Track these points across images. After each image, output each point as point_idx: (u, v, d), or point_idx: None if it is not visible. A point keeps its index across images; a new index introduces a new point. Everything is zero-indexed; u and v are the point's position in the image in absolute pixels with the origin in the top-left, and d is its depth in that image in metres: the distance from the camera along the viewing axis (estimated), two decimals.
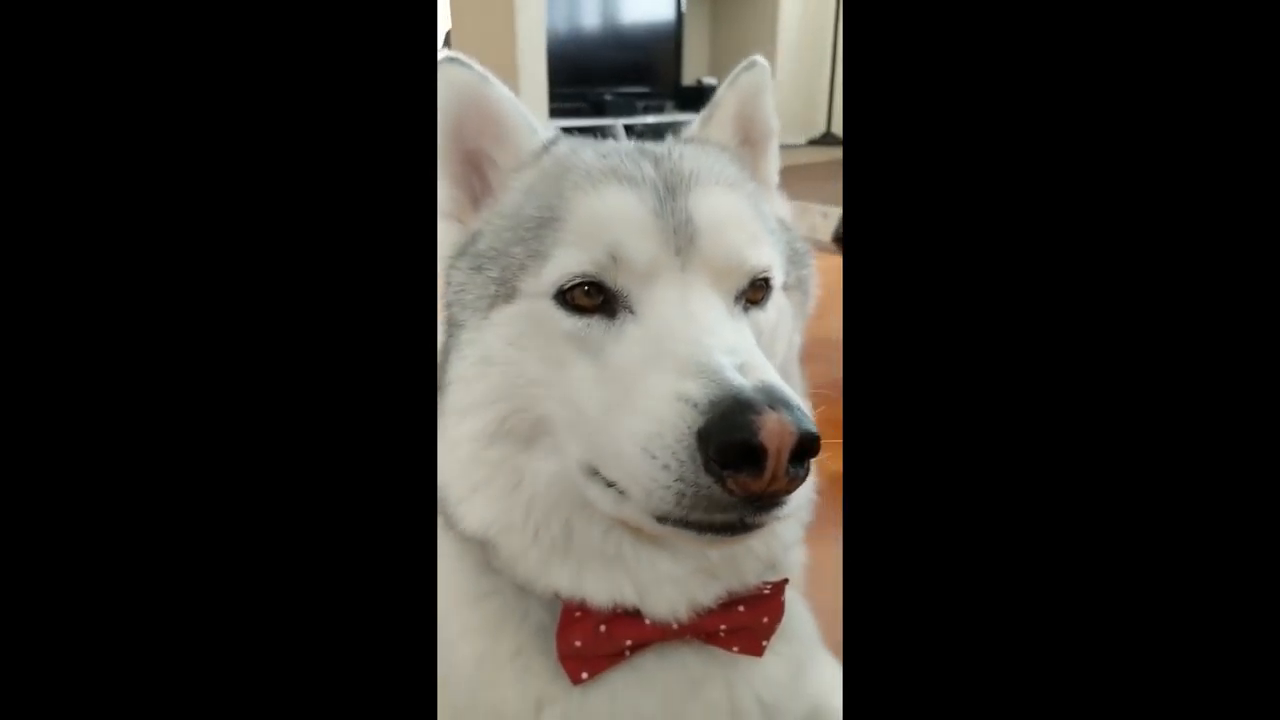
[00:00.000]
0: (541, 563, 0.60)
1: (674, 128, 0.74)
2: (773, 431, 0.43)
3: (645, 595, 0.59)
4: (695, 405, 0.46)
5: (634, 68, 6.03)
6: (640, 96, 6.07)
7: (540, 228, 0.59)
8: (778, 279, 0.62)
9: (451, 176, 0.67)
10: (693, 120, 0.75)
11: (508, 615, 0.64)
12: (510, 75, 5.41)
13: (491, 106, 0.66)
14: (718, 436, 0.44)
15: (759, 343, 0.57)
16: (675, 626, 0.60)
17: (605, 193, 0.58)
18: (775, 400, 0.45)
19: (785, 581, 0.65)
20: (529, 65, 5.43)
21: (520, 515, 0.60)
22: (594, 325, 0.56)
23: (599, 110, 5.86)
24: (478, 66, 0.65)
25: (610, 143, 0.66)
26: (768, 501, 0.46)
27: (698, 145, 0.68)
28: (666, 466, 0.47)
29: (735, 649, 0.62)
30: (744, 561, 0.62)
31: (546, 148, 0.66)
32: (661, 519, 0.49)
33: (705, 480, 0.46)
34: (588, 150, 0.64)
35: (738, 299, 0.59)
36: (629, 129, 6.61)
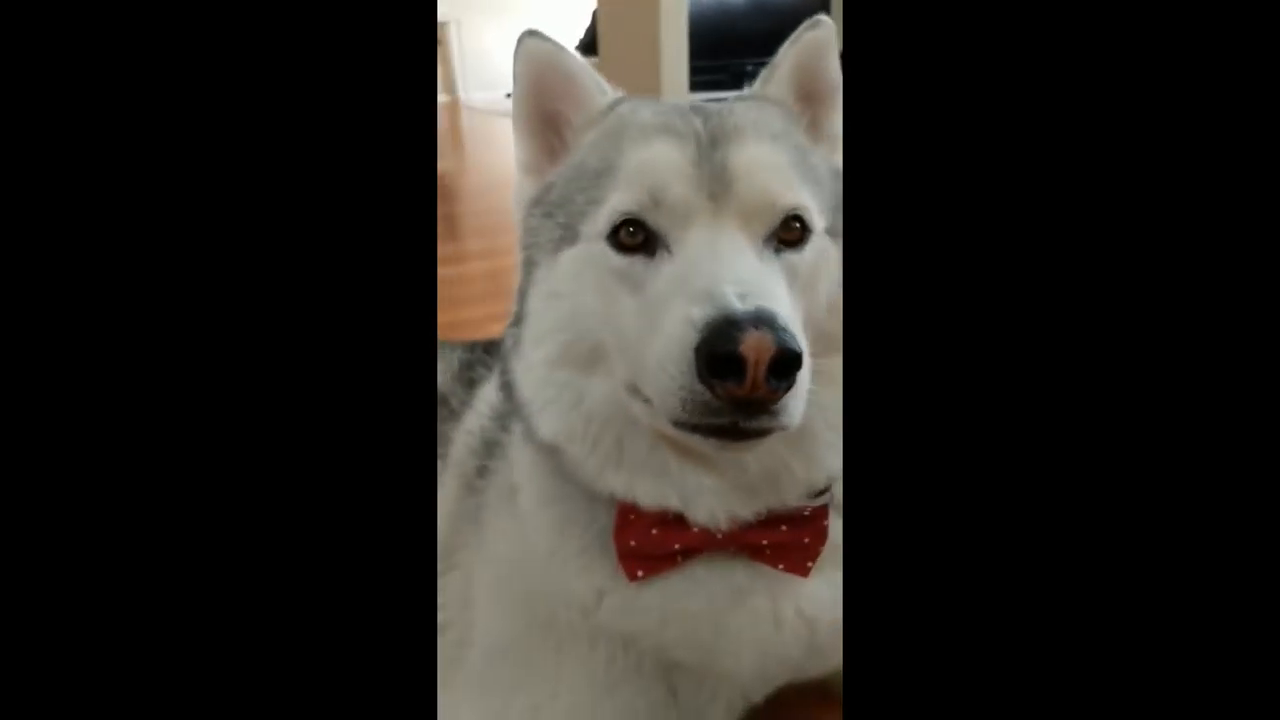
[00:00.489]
0: (599, 469, 0.67)
1: None
2: (751, 345, 0.50)
3: (688, 502, 0.66)
4: (694, 325, 0.53)
5: (777, 37, 5.82)
6: None
7: (599, 177, 0.66)
8: (817, 223, 0.66)
9: (530, 133, 0.76)
10: None
11: (576, 517, 0.72)
12: (652, 48, 5.37)
13: (566, 71, 0.74)
14: (706, 348, 0.51)
15: (794, 283, 0.63)
16: (719, 536, 0.66)
17: (653, 144, 0.65)
18: (761, 320, 0.51)
19: (826, 507, 0.70)
20: (670, 37, 5.36)
21: (581, 427, 0.67)
22: (636, 263, 0.63)
23: (739, 82, 5.70)
24: (552, 37, 0.73)
25: (671, 101, 0.73)
26: (755, 408, 0.53)
27: (753, 101, 0.74)
28: (673, 377, 0.54)
29: (781, 566, 0.68)
30: (783, 481, 0.66)
31: (612, 107, 0.73)
32: (676, 424, 0.56)
33: (699, 388, 0.53)
34: (647, 109, 0.71)
35: (769, 239, 0.63)
36: None
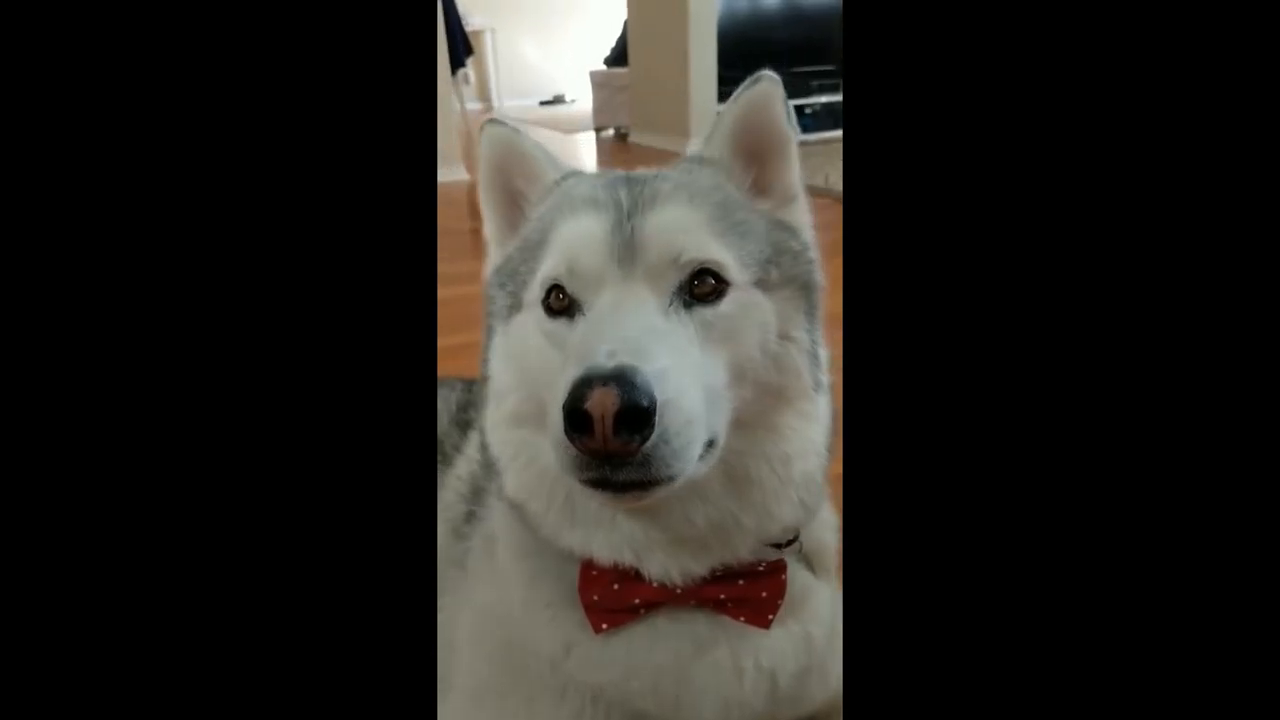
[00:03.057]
0: (556, 526, 0.71)
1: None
2: (596, 401, 0.53)
3: (641, 557, 0.68)
4: (567, 385, 0.56)
5: (811, 46, 5.78)
6: (815, 75, 5.80)
7: (537, 248, 0.72)
8: (737, 276, 0.67)
9: (494, 209, 0.82)
10: None
11: (546, 571, 0.75)
12: (681, 60, 5.37)
13: (522, 152, 0.80)
14: (566, 406, 0.54)
15: (710, 336, 0.64)
16: (678, 591, 0.69)
17: (579, 216, 0.69)
18: (612, 377, 0.54)
19: (781, 562, 0.72)
20: (699, 48, 5.35)
21: (536, 485, 0.71)
22: (561, 326, 0.68)
23: None
24: (511, 123, 0.81)
25: (610, 174, 0.75)
26: (616, 461, 0.55)
27: (686, 165, 0.77)
28: (554, 434, 0.57)
29: (741, 619, 0.71)
30: (733, 535, 0.68)
31: (558, 183, 0.78)
32: (568, 475, 0.59)
33: (565, 443, 0.55)
34: (584, 184, 0.75)
35: (678, 294, 0.65)
36: (800, 110, 6.37)
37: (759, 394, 0.67)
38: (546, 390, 0.65)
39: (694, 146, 5.85)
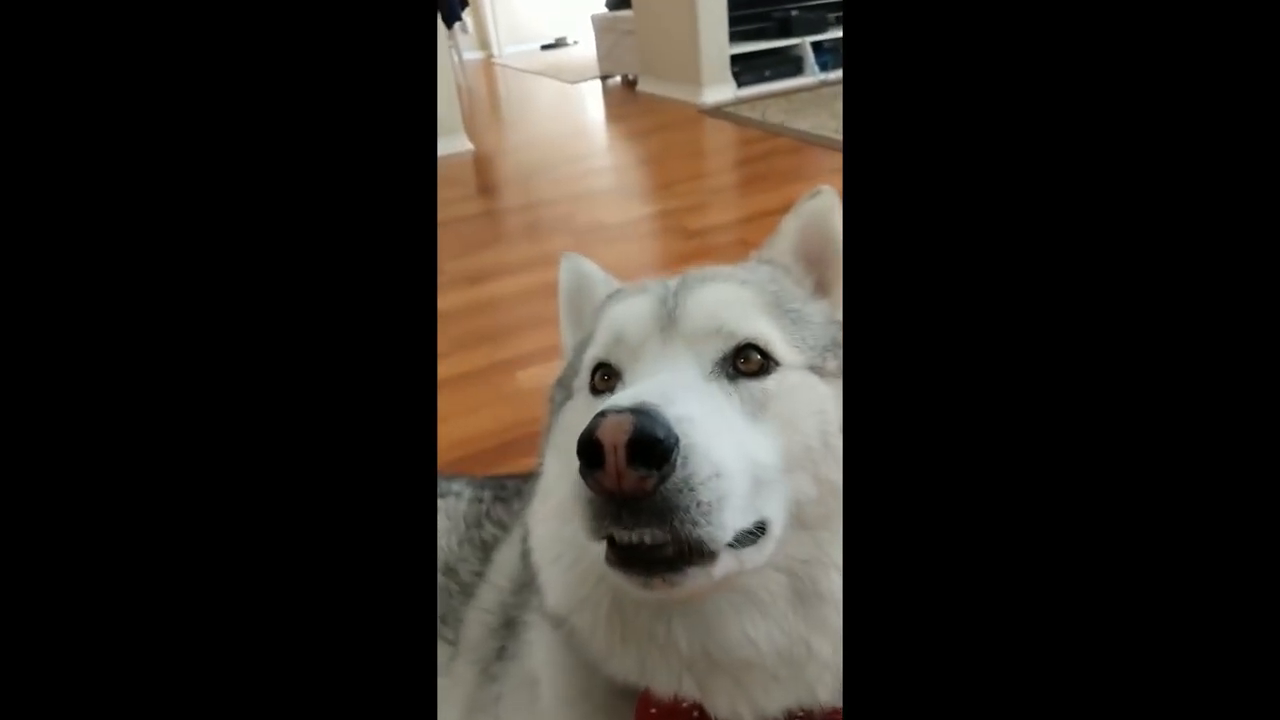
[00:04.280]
0: (607, 644, 0.63)
1: None
2: (607, 428, 0.49)
3: (705, 689, 0.61)
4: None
5: None
6: (831, 8, 5.50)
7: (586, 342, 0.73)
8: (785, 355, 0.65)
9: (571, 331, 0.85)
10: None
11: (597, 714, 0.67)
12: (689, 2, 5.10)
13: (587, 275, 0.86)
14: (579, 441, 0.50)
15: (760, 413, 0.61)
16: None
17: (625, 301, 0.70)
18: (627, 408, 0.50)
19: None
20: None
21: (580, 589, 0.65)
22: (605, 401, 0.63)
23: (785, 30, 5.39)
24: (579, 258, 0.88)
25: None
26: (633, 505, 0.50)
27: (747, 265, 0.78)
28: (575, 489, 0.53)
29: None
30: (807, 666, 0.60)
31: (610, 296, 0.78)
32: (588, 535, 0.54)
33: (583, 485, 0.51)
34: (632, 288, 0.76)
35: (722, 365, 0.63)
36: (818, 48, 6.09)
37: (824, 493, 0.60)
38: None
39: (706, 96, 5.66)
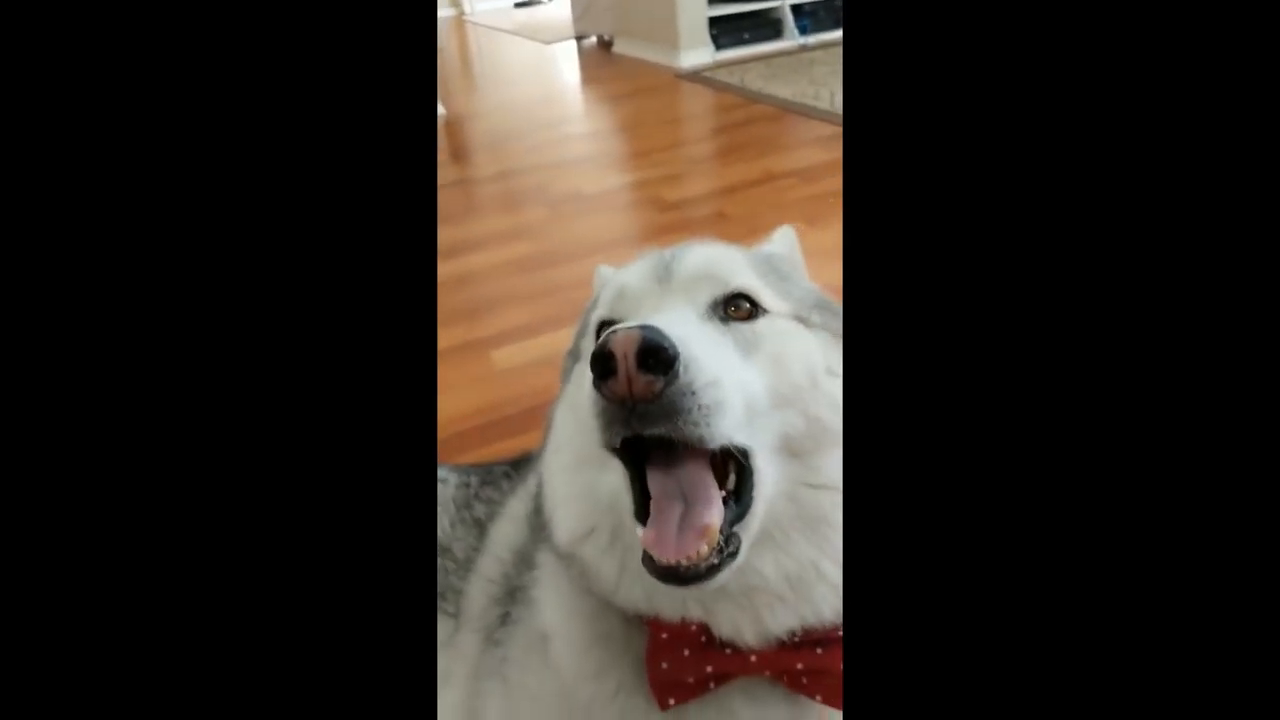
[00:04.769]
0: (616, 574, 0.67)
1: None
2: (618, 339, 0.54)
3: (711, 611, 0.64)
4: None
5: None
6: None
7: (592, 307, 0.79)
8: (772, 303, 0.70)
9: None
10: None
11: (614, 657, 0.70)
12: None
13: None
14: (592, 355, 0.55)
15: (752, 352, 0.66)
16: (752, 658, 0.64)
17: (626, 267, 0.77)
18: (636, 326, 0.55)
19: None
20: None
21: (591, 519, 0.69)
22: None
23: None
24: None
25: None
26: (643, 409, 0.55)
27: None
28: (588, 407, 0.58)
29: (818, 697, 0.64)
30: (814, 587, 0.63)
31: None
32: (603, 444, 0.59)
33: (596, 396, 0.56)
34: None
35: (714, 309, 0.69)
36: (797, 10, 5.98)
37: (813, 428, 0.65)
38: None
39: (684, 58, 5.54)
